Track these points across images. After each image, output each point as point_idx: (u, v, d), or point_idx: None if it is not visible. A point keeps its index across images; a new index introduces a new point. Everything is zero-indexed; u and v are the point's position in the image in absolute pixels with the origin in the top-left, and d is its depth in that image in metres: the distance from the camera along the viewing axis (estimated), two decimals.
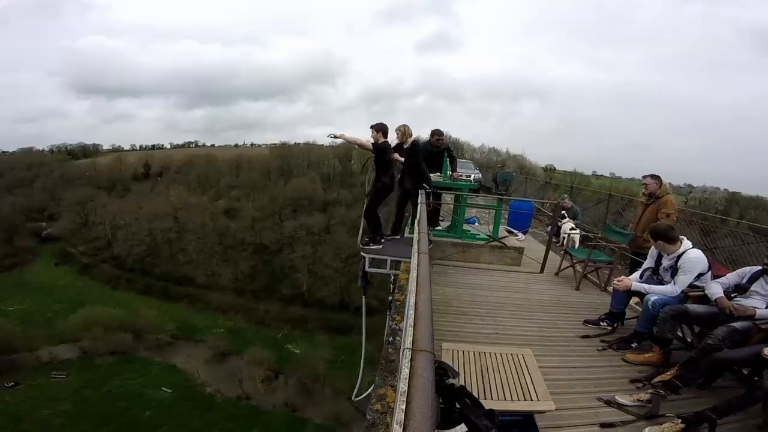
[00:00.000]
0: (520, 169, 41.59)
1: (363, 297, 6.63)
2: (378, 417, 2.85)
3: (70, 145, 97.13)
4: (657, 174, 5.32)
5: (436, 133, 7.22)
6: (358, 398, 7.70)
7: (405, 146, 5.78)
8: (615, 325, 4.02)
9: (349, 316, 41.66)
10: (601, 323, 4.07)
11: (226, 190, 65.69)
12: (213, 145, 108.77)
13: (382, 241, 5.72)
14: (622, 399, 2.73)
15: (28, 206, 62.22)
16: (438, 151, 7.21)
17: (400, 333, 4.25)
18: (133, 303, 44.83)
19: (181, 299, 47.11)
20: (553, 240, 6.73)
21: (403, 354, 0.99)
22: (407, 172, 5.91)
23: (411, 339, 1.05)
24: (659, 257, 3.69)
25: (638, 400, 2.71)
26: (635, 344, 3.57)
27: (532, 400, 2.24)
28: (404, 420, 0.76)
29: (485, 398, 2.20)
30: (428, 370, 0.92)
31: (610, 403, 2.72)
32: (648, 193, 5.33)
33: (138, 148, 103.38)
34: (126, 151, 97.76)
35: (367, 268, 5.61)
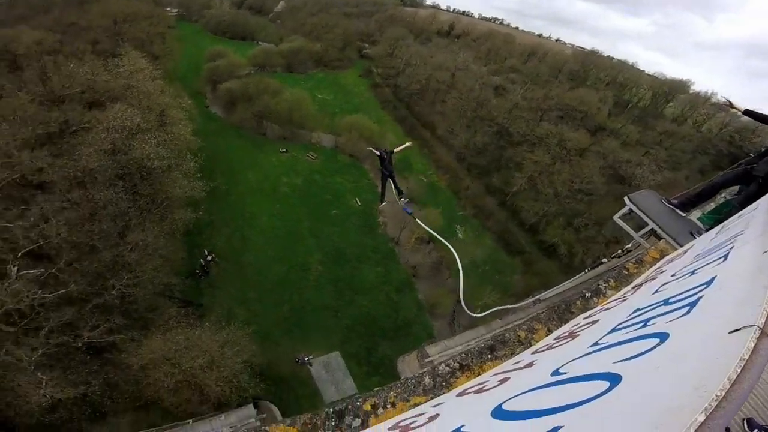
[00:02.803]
0: None
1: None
2: (514, 341, 3.21)
3: None
4: None
5: None
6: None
7: None
8: None
9: (527, 243, 39.13)
10: None
11: (507, 71, 63.93)
12: (517, 28, 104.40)
13: None
14: None
15: (362, 31, 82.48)
16: None
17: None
18: (386, 125, 54.32)
19: (417, 139, 52.76)
20: None
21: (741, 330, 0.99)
22: None
23: (766, 317, 0.99)
24: None
25: None
26: None
27: None
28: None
29: None
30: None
31: None
32: None
33: (451, 10, 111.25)
34: (441, 10, 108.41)
35: (617, 217, 5.79)
